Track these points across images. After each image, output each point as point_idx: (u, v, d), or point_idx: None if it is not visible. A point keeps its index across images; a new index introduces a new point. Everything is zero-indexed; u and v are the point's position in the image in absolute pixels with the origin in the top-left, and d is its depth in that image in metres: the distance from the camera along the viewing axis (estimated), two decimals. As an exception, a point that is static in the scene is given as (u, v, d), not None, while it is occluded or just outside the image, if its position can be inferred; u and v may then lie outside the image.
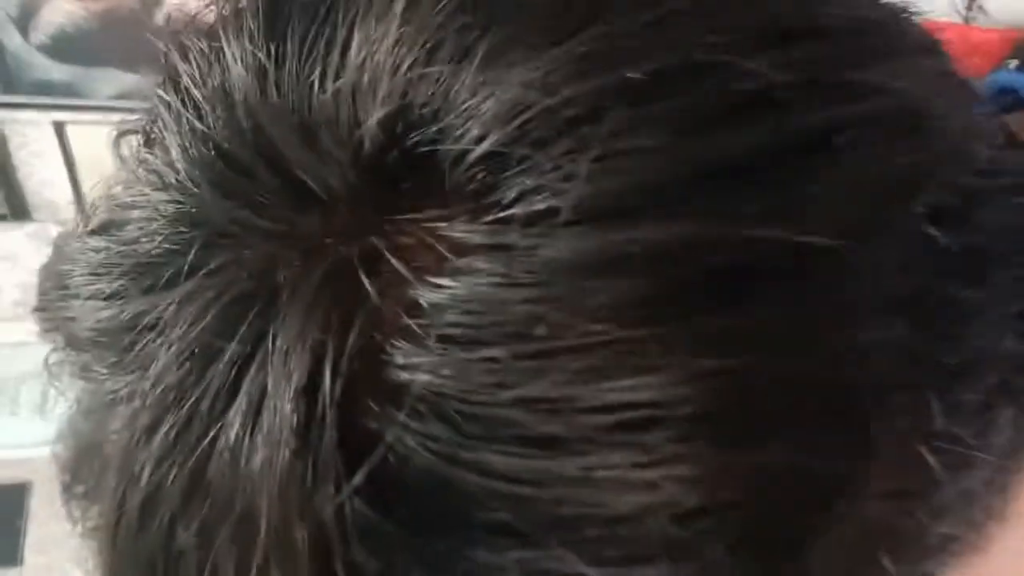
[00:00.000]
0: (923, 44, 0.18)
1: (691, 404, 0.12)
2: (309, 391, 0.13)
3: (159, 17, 2.44)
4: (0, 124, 2.29)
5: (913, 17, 0.18)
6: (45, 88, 2.34)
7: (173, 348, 0.15)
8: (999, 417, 0.17)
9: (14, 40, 2.34)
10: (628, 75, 0.13)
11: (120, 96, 2.36)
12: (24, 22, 2.36)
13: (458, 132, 0.13)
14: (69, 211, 2.34)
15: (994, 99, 0.27)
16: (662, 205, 0.13)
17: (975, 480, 0.17)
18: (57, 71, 2.37)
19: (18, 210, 2.32)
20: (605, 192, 0.13)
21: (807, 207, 0.14)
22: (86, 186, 2.40)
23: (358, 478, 0.13)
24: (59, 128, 2.39)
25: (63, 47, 2.36)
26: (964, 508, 0.18)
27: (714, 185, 0.13)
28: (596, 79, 0.13)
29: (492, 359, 0.13)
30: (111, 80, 2.39)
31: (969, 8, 0.29)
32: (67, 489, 0.20)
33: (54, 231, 1.89)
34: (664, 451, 0.12)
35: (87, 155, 2.40)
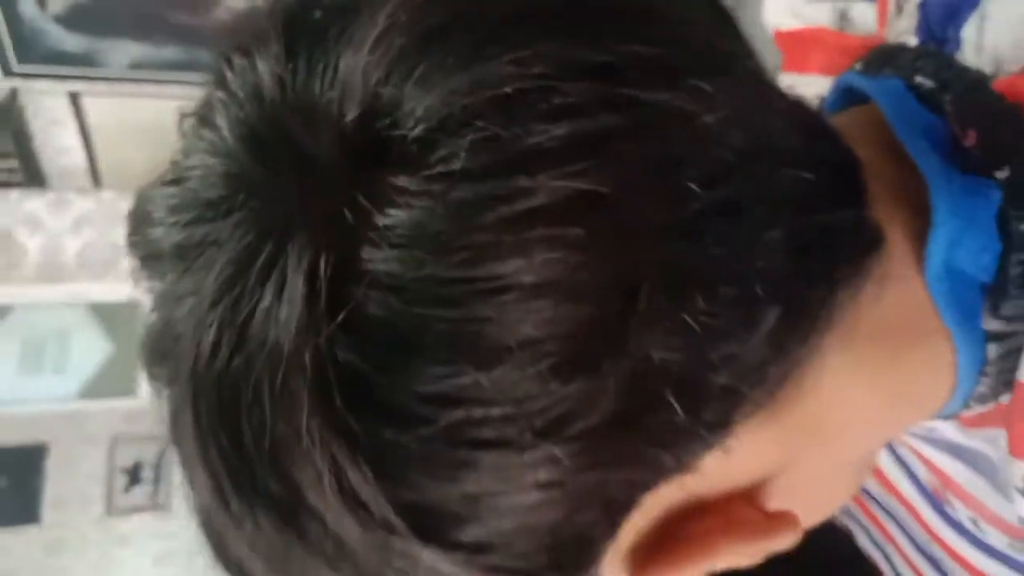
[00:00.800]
0: (720, 63, 0.26)
1: (535, 274, 0.21)
2: (311, 275, 0.21)
3: (171, -11, 2.48)
4: (16, 93, 2.32)
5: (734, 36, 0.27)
6: (60, 58, 2.39)
7: (226, 256, 0.23)
8: (762, 307, 0.24)
9: (30, 10, 2.39)
10: (493, 95, 0.21)
11: (133, 66, 2.40)
12: (40, -8, 2.41)
13: (403, 124, 0.21)
14: (84, 178, 2.39)
15: (840, 95, 0.33)
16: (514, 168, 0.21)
17: (746, 350, 0.24)
18: (72, 41, 2.42)
19: (34, 177, 2.37)
20: (483, 164, 0.21)
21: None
22: (100, 153, 2.45)
23: (337, 321, 0.21)
24: (74, 98, 2.43)
25: (78, 17, 2.41)
26: (740, 370, 0.24)
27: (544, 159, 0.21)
28: (479, 97, 0.21)
29: (419, 255, 0.21)
30: (124, 50, 2.43)
31: (842, 19, 0.35)
32: (149, 369, 0.27)
33: (73, 198, 1.95)
34: (532, 305, 0.21)
35: (101, 124, 2.45)
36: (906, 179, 0.30)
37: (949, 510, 0.43)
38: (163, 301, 0.26)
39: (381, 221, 0.21)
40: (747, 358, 0.24)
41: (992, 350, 0.30)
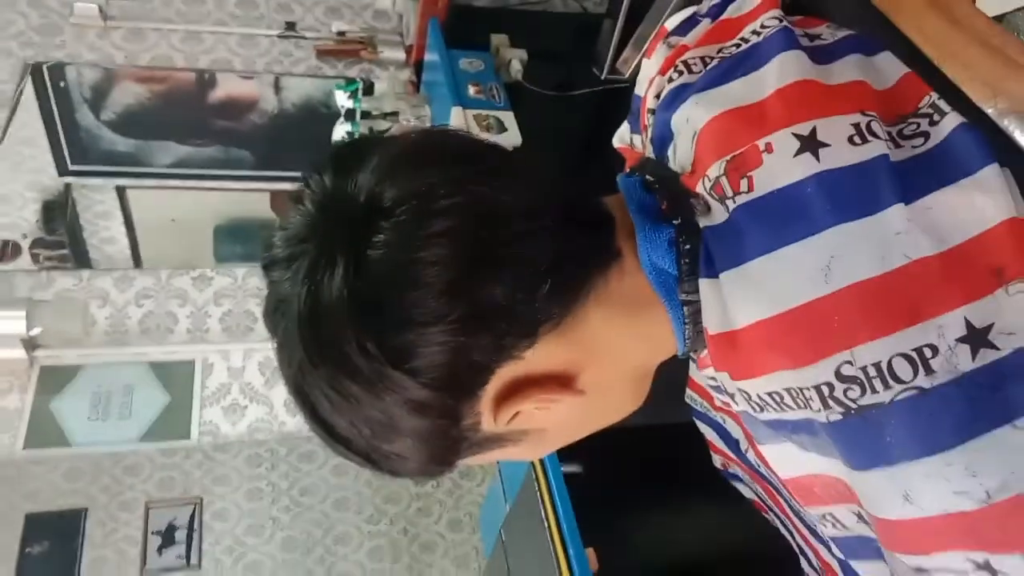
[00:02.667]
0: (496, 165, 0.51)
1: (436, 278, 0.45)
2: (345, 270, 0.45)
3: (212, 97, 2.80)
4: (69, 189, 2.56)
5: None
6: (110, 158, 2.67)
7: (307, 262, 0.46)
8: (542, 283, 0.47)
9: (87, 118, 2.70)
10: (415, 194, 0.45)
11: (175, 165, 2.67)
12: (96, 103, 2.73)
13: (384, 200, 0.45)
14: (125, 262, 2.63)
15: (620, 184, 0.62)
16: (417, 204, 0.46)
17: (538, 302, 0.47)
18: (122, 143, 2.71)
19: (81, 261, 2.62)
20: (407, 220, 0.45)
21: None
22: (142, 241, 2.70)
23: (352, 268, 0.45)
24: (120, 192, 2.68)
25: (128, 123, 2.71)
26: (537, 311, 0.47)
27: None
28: (410, 195, 0.45)
29: (389, 260, 0.45)
30: (168, 151, 2.71)
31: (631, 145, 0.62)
32: (267, 319, 0.51)
33: (135, 276, 2.19)
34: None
35: (144, 215, 2.70)
36: (631, 226, 0.53)
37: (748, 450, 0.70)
38: (275, 285, 0.49)
39: (376, 239, 0.45)
40: (538, 304, 0.47)
41: (685, 311, 0.52)
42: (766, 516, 0.79)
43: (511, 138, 1.91)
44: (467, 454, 0.53)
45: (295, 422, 1.96)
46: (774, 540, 0.80)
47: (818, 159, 0.45)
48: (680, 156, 0.55)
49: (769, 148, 0.47)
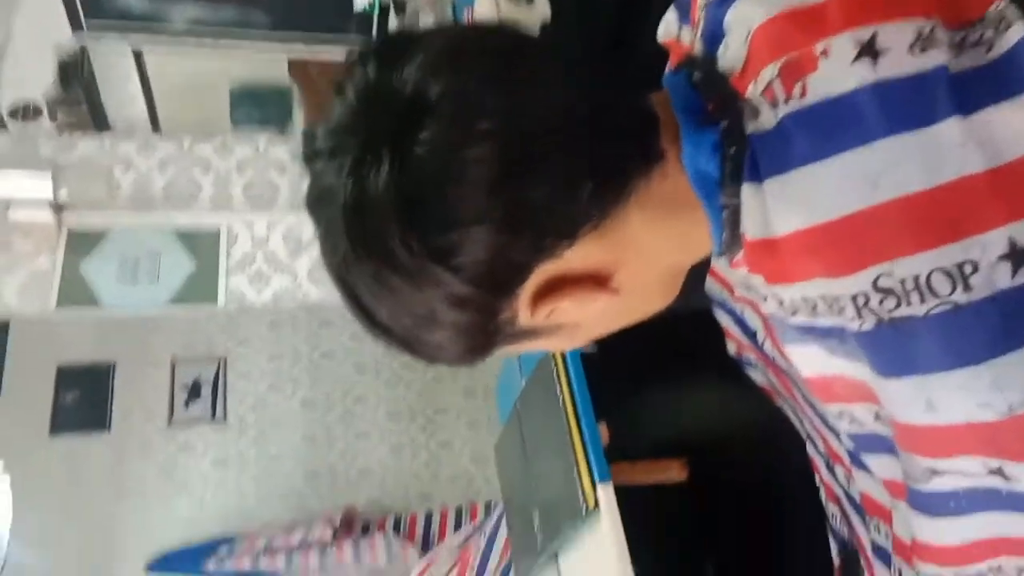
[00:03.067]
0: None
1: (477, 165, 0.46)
2: (392, 162, 0.45)
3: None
4: (87, 51, 2.51)
5: None
6: (125, 14, 2.59)
7: (352, 154, 0.46)
8: (584, 184, 0.47)
9: (100, -27, 2.60)
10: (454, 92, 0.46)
11: (191, 23, 2.59)
12: (110, -45, 2.62)
13: (430, 95, 0.45)
14: (143, 124, 2.62)
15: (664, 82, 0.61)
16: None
17: (580, 202, 0.47)
18: (137, 1, 2.62)
19: (100, 123, 2.60)
20: (449, 117, 0.45)
21: None
22: (159, 103, 2.67)
23: (398, 164, 0.45)
24: (137, 54, 2.63)
25: (142, -21, 2.61)
26: (578, 212, 0.47)
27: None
28: (462, 96, 0.46)
29: (432, 155, 0.45)
30: (183, 10, 2.62)
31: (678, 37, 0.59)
32: (311, 209, 0.51)
33: (157, 142, 2.18)
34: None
35: (161, 77, 2.65)
36: (676, 127, 0.52)
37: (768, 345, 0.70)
38: (319, 176, 0.50)
39: (422, 135, 0.45)
40: (579, 206, 0.48)
41: (725, 214, 0.53)
42: (776, 402, 0.82)
43: (539, 9, 1.85)
44: (502, 344, 0.56)
45: (319, 292, 2.01)
46: (781, 424, 0.84)
47: (876, 67, 0.44)
48: (731, 56, 0.53)
49: (826, 52, 0.46)
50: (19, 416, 2.70)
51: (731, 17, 0.54)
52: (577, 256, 0.50)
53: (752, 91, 0.50)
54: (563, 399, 1.38)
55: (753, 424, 1.46)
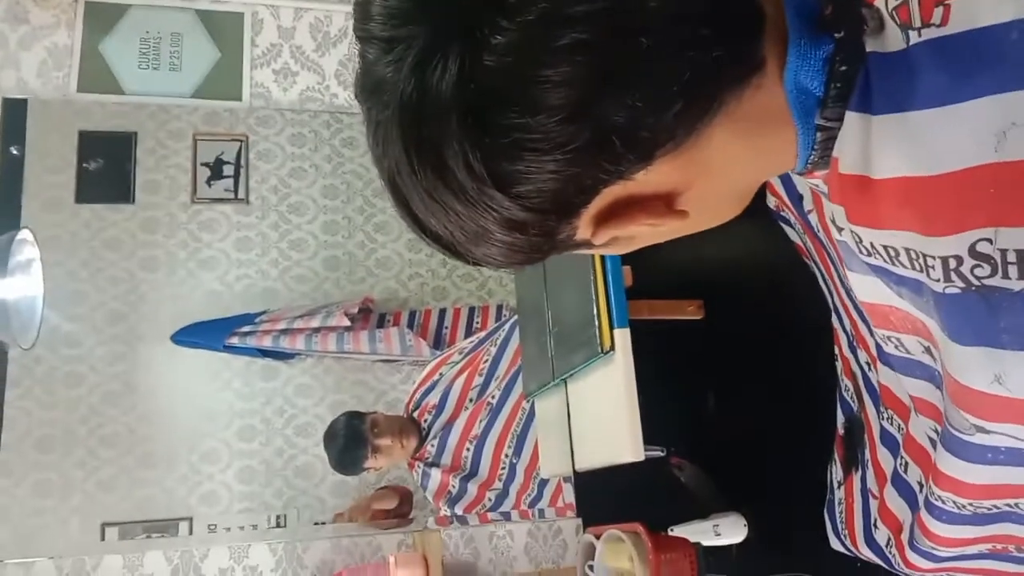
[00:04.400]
0: None
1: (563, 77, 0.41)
2: (461, 60, 0.41)
3: None
4: None
5: None
6: None
7: (418, 46, 0.42)
8: (674, 99, 0.42)
9: None
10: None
11: None
12: None
13: None
14: None
15: None
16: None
17: (664, 120, 0.43)
18: None
19: None
20: (537, 20, 0.40)
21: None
22: None
23: (468, 72, 0.41)
24: None
25: None
26: (661, 130, 0.43)
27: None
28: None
29: (509, 59, 0.41)
30: None
31: None
32: (361, 98, 0.48)
33: None
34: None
35: None
36: (784, 30, 0.46)
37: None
38: (371, 64, 0.45)
39: (496, 40, 0.40)
40: (665, 126, 0.43)
41: (818, 136, 0.47)
42: (806, 261, 0.81)
43: None
44: (552, 255, 0.54)
45: (346, 95, 1.94)
46: (807, 281, 0.84)
47: None
48: None
49: None
50: (45, 183, 2.73)
51: None
52: (650, 177, 0.46)
53: (881, 3, 0.44)
54: (589, 239, 1.37)
55: (776, 274, 1.46)
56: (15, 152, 2.14)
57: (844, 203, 0.48)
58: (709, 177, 0.49)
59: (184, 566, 1.80)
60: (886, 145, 0.43)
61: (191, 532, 2.26)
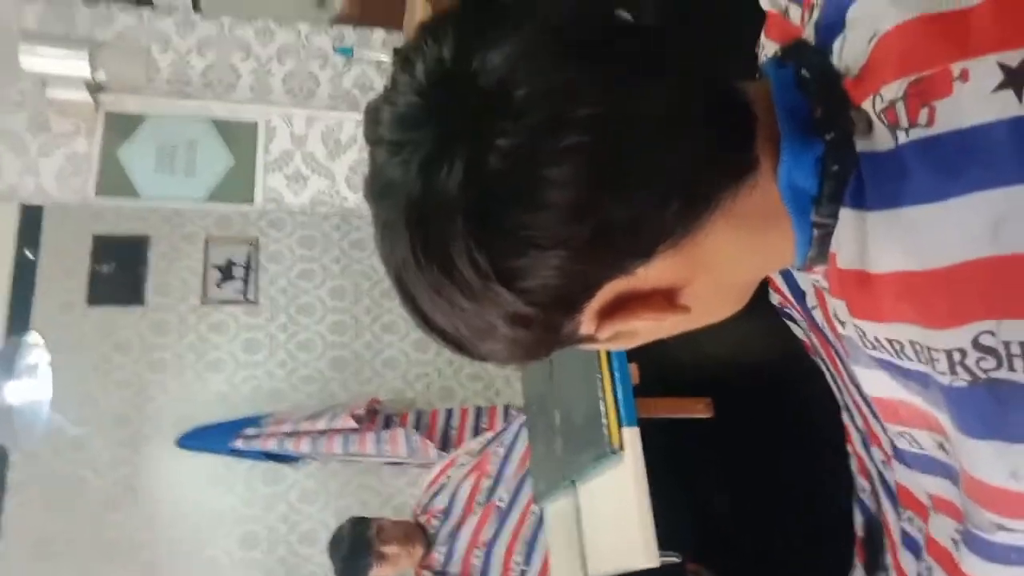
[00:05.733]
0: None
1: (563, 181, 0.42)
2: (467, 164, 0.42)
3: None
4: None
5: None
6: None
7: (424, 150, 0.43)
8: (670, 200, 0.43)
9: None
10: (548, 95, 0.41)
11: None
12: None
13: (515, 95, 0.41)
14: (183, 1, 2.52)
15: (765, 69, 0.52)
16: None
17: (663, 220, 0.44)
18: None
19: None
20: (535, 126, 0.41)
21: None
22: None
23: (472, 173, 0.41)
24: None
25: None
26: (658, 229, 0.44)
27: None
28: (552, 101, 0.41)
29: (510, 164, 0.41)
30: None
31: (784, 13, 0.48)
32: (371, 200, 0.48)
33: (197, 20, 2.10)
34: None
35: None
36: (776, 131, 0.47)
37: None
38: (380, 166, 0.48)
39: (500, 142, 0.41)
40: (663, 224, 0.46)
41: (815, 233, 0.49)
42: (814, 359, 0.80)
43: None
44: (555, 351, 0.54)
45: (356, 198, 1.99)
46: (815, 378, 0.82)
47: (1021, 99, 0.39)
48: (848, 55, 0.47)
49: (964, 76, 0.40)
50: (58, 286, 2.76)
51: (857, 11, 0.47)
52: (651, 273, 0.47)
53: (869, 106, 0.45)
54: (597, 337, 1.36)
55: (785, 370, 1.45)
56: (29, 256, 2.18)
57: (845, 297, 0.48)
58: (708, 273, 0.50)
59: None
60: (883, 240, 0.44)
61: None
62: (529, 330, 0.48)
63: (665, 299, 0.49)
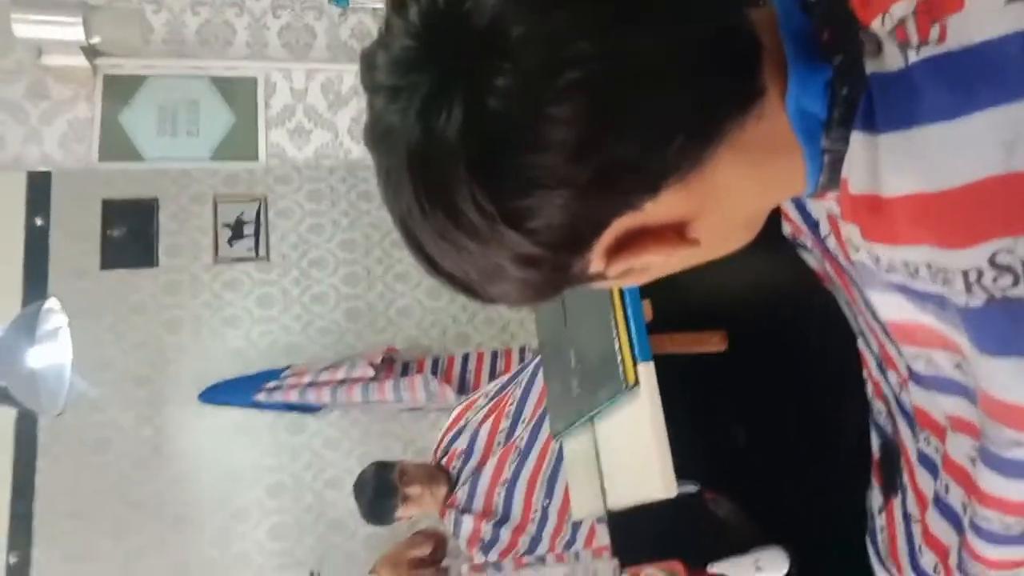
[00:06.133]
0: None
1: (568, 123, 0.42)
2: (467, 106, 0.41)
3: None
4: None
5: None
6: None
7: (421, 92, 0.43)
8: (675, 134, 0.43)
9: None
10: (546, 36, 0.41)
11: None
12: None
13: (510, 35, 0.40)
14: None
15: None
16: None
17: (668, 154, 0.43)
18: None
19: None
20: (532, 64, 0.41)
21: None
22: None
23: (471, 115, 0.41)
24: None
25: None
26: (666, 163, 0.43)
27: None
28: (547, 42, 0.41)
29: (508, 99, 0.41)
30: None
31: None
32: (370, 146, 0.50)
33: None
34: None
35: None
36: (783, 57, 0.46)
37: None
38: (379, 113, 0.47)
39: (498, 82, 0.41)
40: (668, 159, 0.45)
41: (826, 159, 0.48)
42: (827, 288, 0.81)
43: None
44: (566, 290, 0.54)
45: (360, 150, 1.98)
46: (829, 306, 0.83)
47: None
48: None
49: None
50: (70, 252, 2.77)
51: None
52: (659, 208, 0.47)
53: (878, 25, 0.44)
54: (608, 275, 1.37)
55: (798, 301, 1.45)
56: (40, 223, 2.19)
57: (858, 222, 0.48)
58: (717, 205, 0.49)
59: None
60: (895, 163, 0.43)
61: (225, 596, 2.22)
62: (538, 270, 0.48)
63: (675, 233, 0.49)
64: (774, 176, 0.50)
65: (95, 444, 2.54)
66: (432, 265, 0.51)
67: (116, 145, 1.85)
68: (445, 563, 2.09)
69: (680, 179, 0.46)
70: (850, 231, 0.49)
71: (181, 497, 2.51)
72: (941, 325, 0.49)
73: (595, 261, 0.50)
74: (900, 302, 0.50)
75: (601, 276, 0.52)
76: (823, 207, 0.58)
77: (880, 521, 0.86)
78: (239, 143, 1.92)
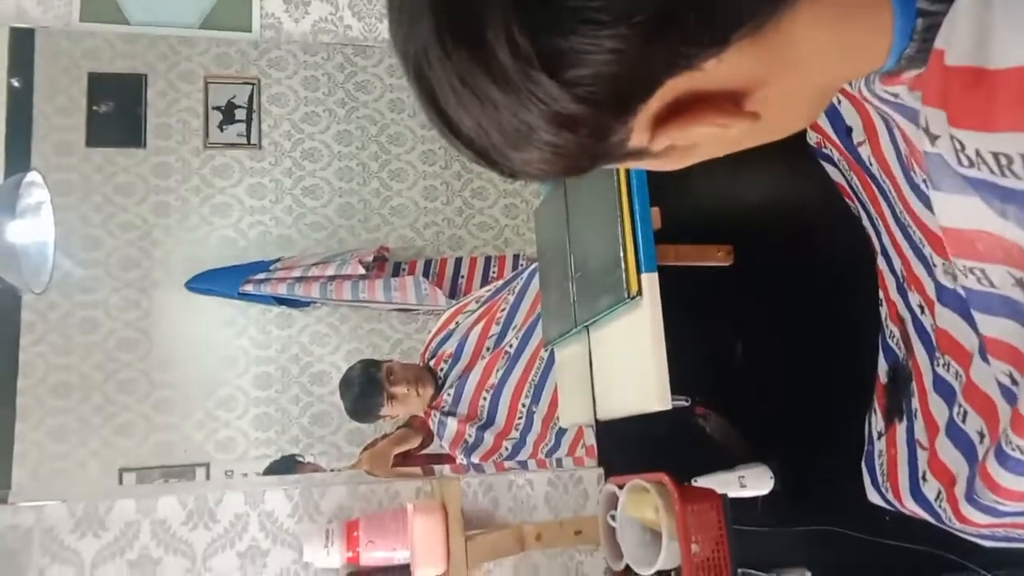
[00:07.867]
0: None
1: None
2: None
3: None
4: None
5: None
6: None
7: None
8: None
9: None
10: None
11: None
12: None
13: None
14: None
15: None
16: None
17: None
18: None
19: None
20: None
21: None
22: None
23: None
24: None
25: None
26: (739, 10, 0.37)
27: None
28: None
29: None
30: None
31: None
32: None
33: None
34: None
35: None
36: None
37: (912, 175, 0.56)
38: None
39: None
40: (747, 5, 0.37)
41: (919, 23, 0.40)
42: (848, 202, 0.76)
43: None
44: (600, 165, 0.49)
45: (361, 27, 1.87)
46: (845, 223, 0.79)
47: None
48: None
49: None
50: (55, 126, 2.68)
51: None
52: (722, 69, 0.41)
53: None
54: (618, 179, 1.31)
55: (810, 217, 1.40)
56: (17, 84, 2.09)
57: (947, 104, 0.42)
58: (786, 72, 0.43)
59: (199, 511, 1.79)
60: (1013, 26, 0.37)
61: (208, 477, 2.26)
62: (574, 134, 0.42)
63: (732, 104, 0.43)
64: (855, 41, 0.44)
65: (81, 323, 2.52)
66: (446, 123, 0.45)
67: (99, 5, 1.73)
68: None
69: (753, 31, 0.39)
70: (930, 116, 0.44)
71: (167, 379, 2.50)
72: (1018, 231, 0.44)
73: (638, 131, 0.44)
74: (974, 203, 0.45)
75: (641, 152, 0.47)
76: (886, 92, 0.52)
77: (880, 445, 0.84)
78: (231, 11, 1.81)
